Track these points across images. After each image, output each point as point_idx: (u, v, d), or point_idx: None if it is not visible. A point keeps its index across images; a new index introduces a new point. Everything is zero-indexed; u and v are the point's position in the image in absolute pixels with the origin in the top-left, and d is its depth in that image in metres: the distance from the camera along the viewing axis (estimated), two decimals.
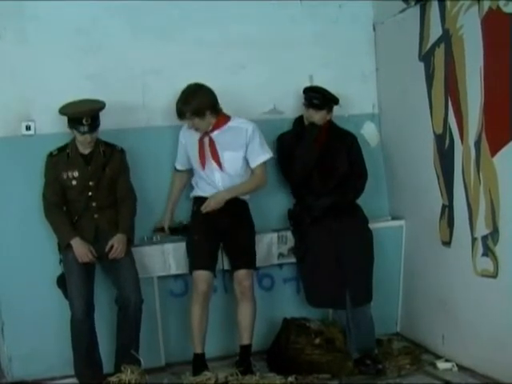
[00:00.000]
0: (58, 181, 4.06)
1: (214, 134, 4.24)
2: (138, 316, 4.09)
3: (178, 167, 4.46)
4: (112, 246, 4.04)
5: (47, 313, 4.27)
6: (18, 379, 4.28)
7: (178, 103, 4.17)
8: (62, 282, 4.07)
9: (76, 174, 4.05)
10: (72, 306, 3.99)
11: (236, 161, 4.25)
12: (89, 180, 4.06)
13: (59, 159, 4.07)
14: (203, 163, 4.23)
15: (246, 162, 4.30)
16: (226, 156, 4.23)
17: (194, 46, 4.57)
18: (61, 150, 4.10)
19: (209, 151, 4.23)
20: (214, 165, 4.23)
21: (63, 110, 4.02)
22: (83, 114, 3.94)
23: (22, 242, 4.27)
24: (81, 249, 3.99)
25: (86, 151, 4.08)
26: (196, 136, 4.26)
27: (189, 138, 4.30)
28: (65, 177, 4.05)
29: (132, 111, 4.45)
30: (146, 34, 4.49)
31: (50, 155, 4.09)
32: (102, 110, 4.05)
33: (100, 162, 4.09)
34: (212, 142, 4.23)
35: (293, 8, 4.78)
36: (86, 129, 3.96)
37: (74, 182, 4.05)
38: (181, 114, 4.16)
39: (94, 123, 3.99)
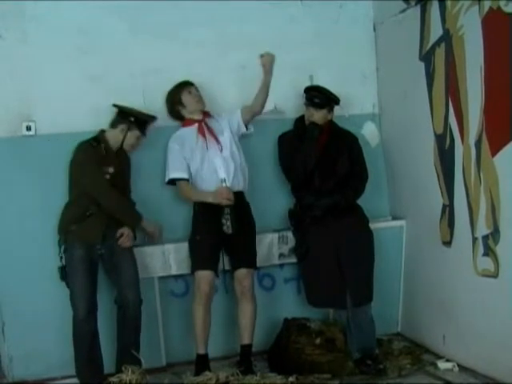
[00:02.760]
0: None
1: (207, 121, 4.39)
2: (137, 316, 4.09)
3: (183, 176, 4.32)
4: (121, 234, 4.06)
5: (48, 313, 4.28)
6: (19, 379, 4.29)
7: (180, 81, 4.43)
8: (63, 274, 4.03)
9: (111, 169, 4.06)
10: (74, 306, 3.99)
11: (230, 142, 4.37)
12: (116, 177, 4.09)
13: (98, 151, 4.07)
14: (206, 144, 4.32)
15: (236, 143, 4.42)
16: (222, 139, 4.35)
17: (195, 46, 4.57)
18: (96, 141, 4.11)
19: (210, 135, 4.34)
20: (216, 146, 4.32)
21: (137, 113, 4.18)
22: (153, 120, 4.23)
23: (22, 242, 4.27)
24: (153, 227, 4.26)
25: (115, 149, 4.14)
26: (189, 138, 4.33)
27: (181, 141, 4.34)
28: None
29: None
30: (147, 34, 4.50)
31: (90, 145, 4.07)
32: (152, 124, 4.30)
33: (125, 161, 4.18)
34: (209, 128, 4.36)
35: (293, 8, 4.79)
36: (143, 133, 4.19)
37: (107, 177, 4.05)
38: (188, 81, 4.43)
39: (146, 132, 4.26)
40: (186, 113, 4.41)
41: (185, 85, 4.41)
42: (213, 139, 4.35)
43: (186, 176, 4.32)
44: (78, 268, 3.99)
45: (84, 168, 4.04)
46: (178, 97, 4.39)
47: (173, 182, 4.36)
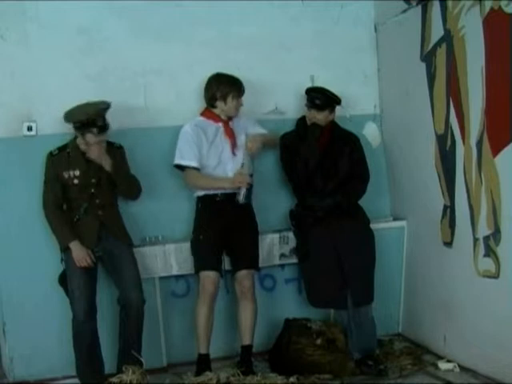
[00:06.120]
0: (58, 180, 4.06)
1: (230, 123, 4.35)
2: (140, 316, 4.08)
3: (195, 165, 4.25)
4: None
5: (49, 313, 4.28)
6: (20, 380, 4.29)
7: (237, 80, 4.31)
8: (63, 280, 4.07)
9: (77, 172, 4.05)
10: (74, 307, 4.00)
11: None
12: (91, 178, 4.06)
13: (60, 158, 4.07)
14: (233, 149, 4.31)
15: None
16: (240, 141, 4.34)
17: (196, 47, 4.57)
18: (61, 149, 4.10)
19: (232, 138, 4.32)
20: (232, 149, 4.30)
21: (75, 118, 4.00)
22: (97, 116, 3.97)
23: (23, 242, 4.28)
24: (79, 253, 3.99)
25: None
26: (210, 132, 4.29)
27: (200, 131, 4.29)
28: (66, 176, 4.05)
29: (133, 111, 4.45)
30: (147, 34, 4.50)
31: (51, 155, 4.09)
32: (109, 109, 4.06)
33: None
34: (233, 132, 4.33)
35: (294, 8, 4.78)
36: (99, 130, 3.98)
37: (75, 181, 4.05)
38: (243, 88, 4.34)
39: (106, 123, 4.02)
40: (219, 108, 4.31)
41: (237, 88, 4.31)
42: (232, 142, 4.32)
43: (197, 165, 4.26)
44: (76, 270, 3.99)
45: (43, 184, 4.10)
46: (224, 93, 4.27)
47: (180, 167, 4.32)
